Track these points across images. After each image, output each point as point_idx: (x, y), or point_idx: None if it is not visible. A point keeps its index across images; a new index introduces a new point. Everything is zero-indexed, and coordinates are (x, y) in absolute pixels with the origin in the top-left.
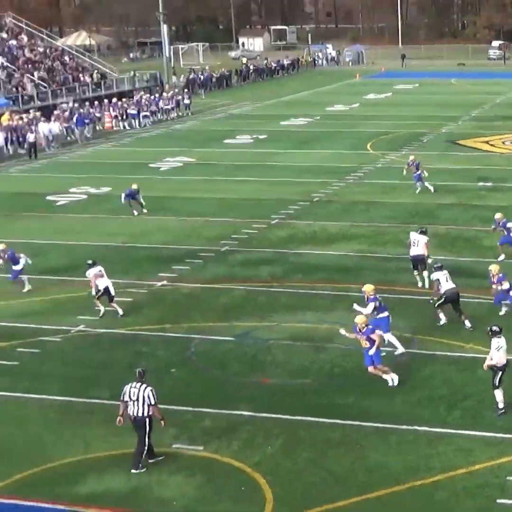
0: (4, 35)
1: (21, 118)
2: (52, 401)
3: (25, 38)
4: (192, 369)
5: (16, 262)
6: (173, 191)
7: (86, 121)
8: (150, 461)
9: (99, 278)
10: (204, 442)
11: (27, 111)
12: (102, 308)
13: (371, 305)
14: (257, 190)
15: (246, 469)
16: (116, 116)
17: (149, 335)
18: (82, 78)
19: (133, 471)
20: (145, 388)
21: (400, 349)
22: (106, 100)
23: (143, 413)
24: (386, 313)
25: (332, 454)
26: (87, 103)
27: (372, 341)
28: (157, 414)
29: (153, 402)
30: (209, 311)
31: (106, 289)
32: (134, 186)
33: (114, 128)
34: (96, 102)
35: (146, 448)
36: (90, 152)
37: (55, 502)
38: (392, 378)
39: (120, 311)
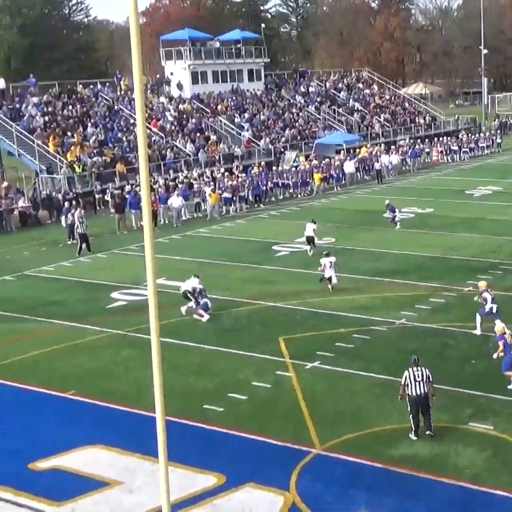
0: (360, 85)
1: (369, 151)
2: (377, 379)
3: (376, 88)
4: (488, 362)
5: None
6: (482, 214)
7: (418, 154)
8: (413, 438)
9: (326, 268)
10: (493, 423)
11: (374, 146)
12: (330, 288)
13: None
14: None
15: None
16: (441, 151)
17: (455, 331)
18: (417, 120)
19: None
20: (425, 369)
21: (478, 331)
22: (435, 138)
23: (428, 389)
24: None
25: None
26: (419, 140)
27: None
28: (432, 391)
29: (432, 380)
30: (506, 314)
31: (330, 278)
32: (386, 201)
33: (440, 161)
34: (426, 140)
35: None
36: (420, 180)
37: (374, 460)
38: None
39: (331, 285)
